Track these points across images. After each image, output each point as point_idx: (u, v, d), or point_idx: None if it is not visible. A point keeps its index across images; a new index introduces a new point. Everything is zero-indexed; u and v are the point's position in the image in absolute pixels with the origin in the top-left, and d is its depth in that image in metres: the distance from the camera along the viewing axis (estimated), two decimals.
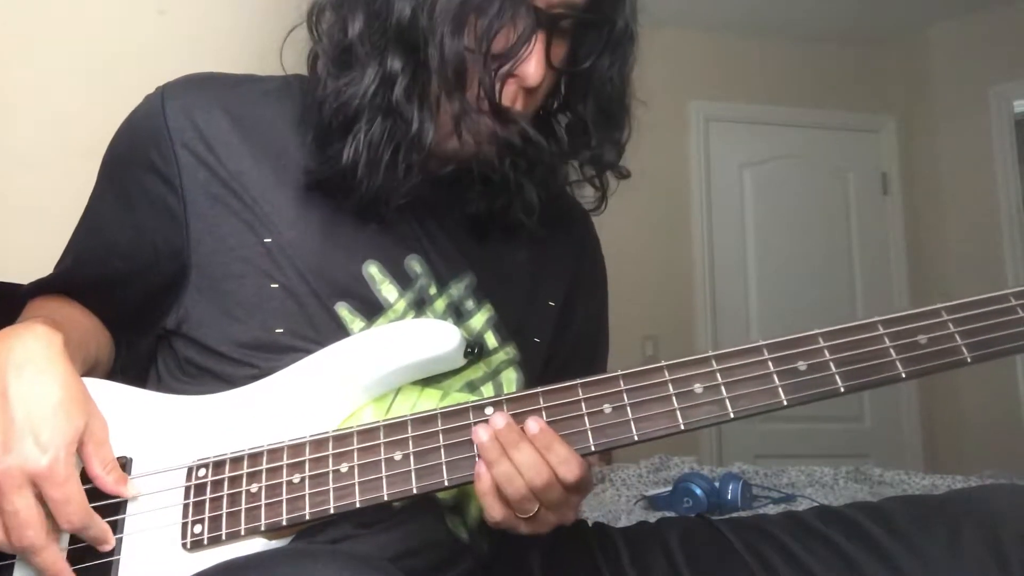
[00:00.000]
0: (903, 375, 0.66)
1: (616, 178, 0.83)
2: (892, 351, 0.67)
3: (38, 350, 0.66)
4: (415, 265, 0.78)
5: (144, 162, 0.77)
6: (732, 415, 0.67)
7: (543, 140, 0.74)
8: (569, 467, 0.64)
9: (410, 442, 0.67)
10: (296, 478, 0.66)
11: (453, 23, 0.68)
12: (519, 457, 0.64)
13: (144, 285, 0.79)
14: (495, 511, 0.65)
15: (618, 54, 0.78)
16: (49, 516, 0.63)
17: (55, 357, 0.67)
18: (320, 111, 0.74)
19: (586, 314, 0.93)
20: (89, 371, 0.77)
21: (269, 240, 0.74)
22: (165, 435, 0.71)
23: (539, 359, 0.83)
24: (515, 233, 0.82)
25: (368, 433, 0.68)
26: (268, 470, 0.67)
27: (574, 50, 0.77)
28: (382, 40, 0.71)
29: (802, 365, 0.67)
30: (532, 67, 0.71)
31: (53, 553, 0.63)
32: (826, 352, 0.67)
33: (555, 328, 0.87)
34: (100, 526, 0.65)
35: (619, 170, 0.82)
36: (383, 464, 0.66)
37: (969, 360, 0.66)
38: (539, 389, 0.68)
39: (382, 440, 0.67)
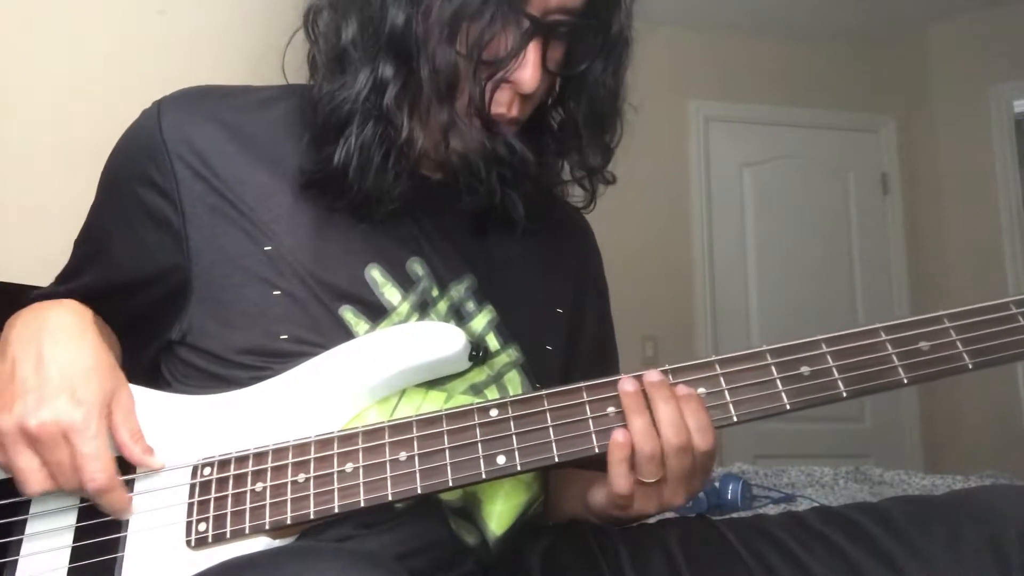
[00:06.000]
0: (905, 381, 0.67)
1: (602, 184, 0.84)
2: (894, 357, 0.68)
3: (71, 321, 0.70)
4: (417, 267, 0.78)
5: (142, 177, 0.77)
6: (735, 418, 0.68)
7: (529, 155, 0.75)
8: (704, 436, 0.66)
9: (415, 443, 0.67)
10: (301, 477, 0.67)
11: (447, 31, 0.69)
12: (662, 413, 0.66)
13: (146, 297, 0.80)
14: (622, 483, 0.67)
15: (612, 58, 0.79)
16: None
17: (87, 327, 0.70)
18: (315, 112, 0.75)
19: (595, 320, 0.93)
20: None
21: (269, 248, 0.74)
22: (170, 434, 0.71)
23: (553, 367, 0.83)
24: (513, 229, 0.83)
25: (373, 433, 0.68)
26: (273, 469, 0.67)
27: (571, 51, 0.77)
28: (375, 46, 0.71)
29: (805, 370, 0.68)
30: (527, 74, 0.71)
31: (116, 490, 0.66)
32: (829, 358, 0.68)
33: (568, 335, 0.87)
34: (122, 492, 0.66)
35: (605, 175, 0.83)
36: (388, 464, 0.66)
37: (971, 367, 0.67)
38: (544, 391, 0.68)
39: (387, 440, 0.67)
